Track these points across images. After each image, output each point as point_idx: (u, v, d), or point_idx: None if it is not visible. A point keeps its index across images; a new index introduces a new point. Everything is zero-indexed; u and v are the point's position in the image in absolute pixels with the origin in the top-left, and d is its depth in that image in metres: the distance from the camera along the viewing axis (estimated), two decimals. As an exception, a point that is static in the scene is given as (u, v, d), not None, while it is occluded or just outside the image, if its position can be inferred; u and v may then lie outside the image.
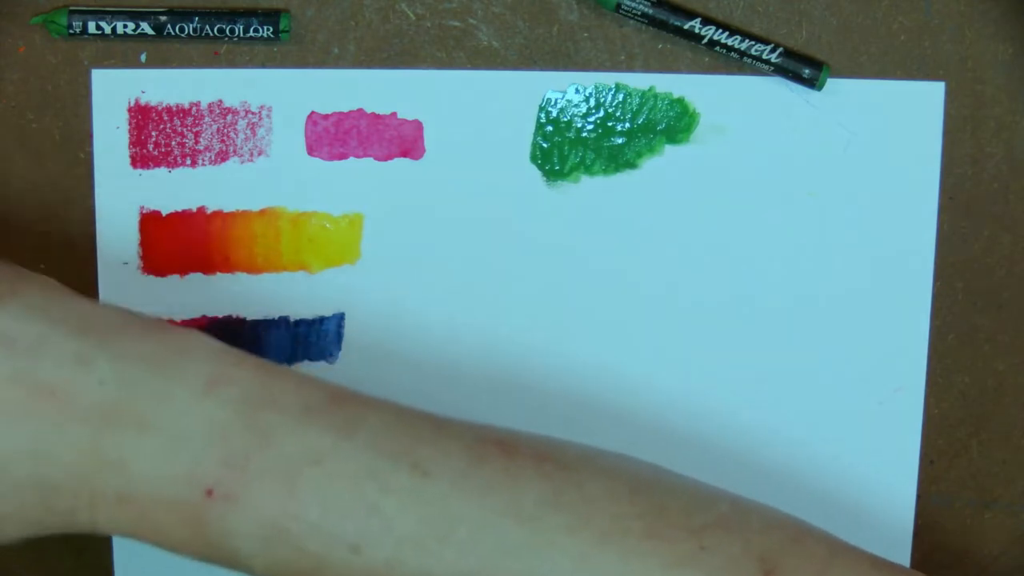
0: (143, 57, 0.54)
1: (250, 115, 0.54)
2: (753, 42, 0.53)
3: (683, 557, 0.43)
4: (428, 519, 0.42)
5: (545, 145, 0.55)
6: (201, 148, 0.54)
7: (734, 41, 0.53)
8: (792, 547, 0.44)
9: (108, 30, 0.53)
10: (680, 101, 0.55)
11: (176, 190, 0.54)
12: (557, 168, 0.55)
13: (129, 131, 0.54)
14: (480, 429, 0.45)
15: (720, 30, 0.53)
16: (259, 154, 0.54)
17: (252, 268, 0.55)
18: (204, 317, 0.55)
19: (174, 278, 0.55)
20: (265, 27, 0.53)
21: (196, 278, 0.55)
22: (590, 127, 0.55)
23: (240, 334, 0.55)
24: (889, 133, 0.55)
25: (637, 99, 0.55)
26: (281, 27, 0.53)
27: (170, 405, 0.42)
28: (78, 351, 0.43)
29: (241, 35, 0.53)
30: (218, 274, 0.55)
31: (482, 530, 0.42)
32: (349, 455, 0.43)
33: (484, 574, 0.42)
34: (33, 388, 0.42)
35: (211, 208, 0.55)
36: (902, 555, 0.57)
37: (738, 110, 0.55)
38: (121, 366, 0.43)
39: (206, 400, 0.43)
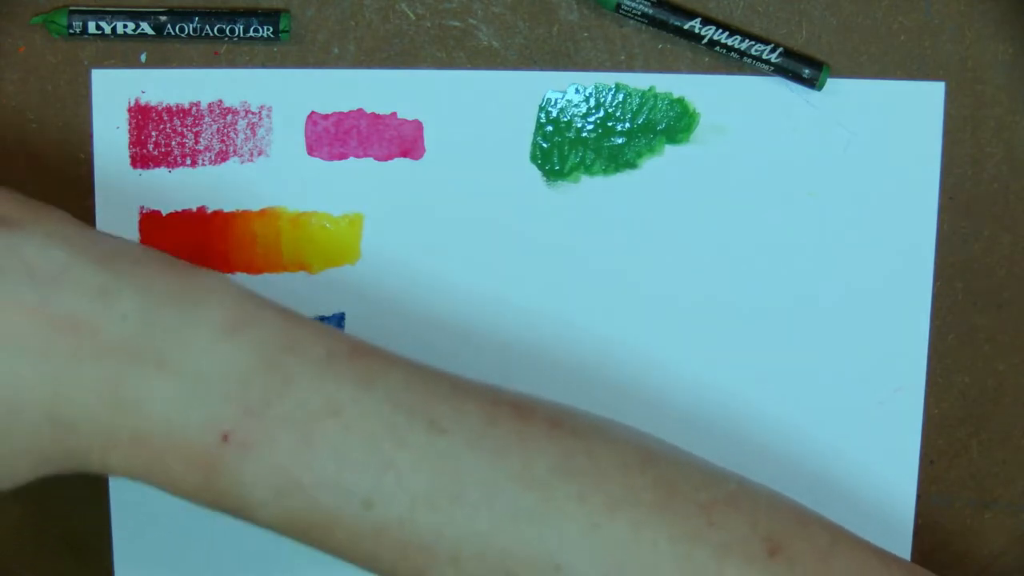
0: (143, 57, 0.54)
1: (250, 115, 0.54)
2: (753, 42, 0.53)
3: (692, 531, 0.43)
4: (441, 478, 0.42)
5: (545, 145, 0.55)
6: (201, 148, 0.54)
7: (734, 41, 0.53)
8: (797, 529, 0.44)
9: (108, 30, 0.53)
10: (680, 101, 0.55)
11: (176, 190, 0.54)
12: (557, 168, 0.55)
13: (129, 131, 0.54)
14: (496, 391, 0.45)
15: (720, 30, 0.53)
16: (259, 154, 0.54)
17: (252, 268, 0.55)
18: (204, 317, 0.55)
19: (174, 278, 0.55)
20: (265, 27, 0.53)
21: (196, 278, 0.55)
22: (590, 127, 0.55)
23: (240, 334, 0.55)
24: (889, 133, 0.55)
25: (637, 99, 0.55)
26: (281, 27, 0.53)
27: (192, 345, 0.42)
28: (102, 283, 0.41)
29: (241, 35, 0.53)
30: (218, 274, 0.55)
31: (493, 493, 0.42)
32: (368, 408, 0.42)
33: (494, 537, 0.42)
34: (55, 320, 0.41)
35: (211, 208, 0.55)
36: (902, 555, 0.57)
37: (738, 110, 0.55)
38: (144, 301, 0.42)
39: (228, 342, 0.42)
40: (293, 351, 0.42)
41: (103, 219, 0.54)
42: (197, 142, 0.54)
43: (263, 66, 0.54)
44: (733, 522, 0.44)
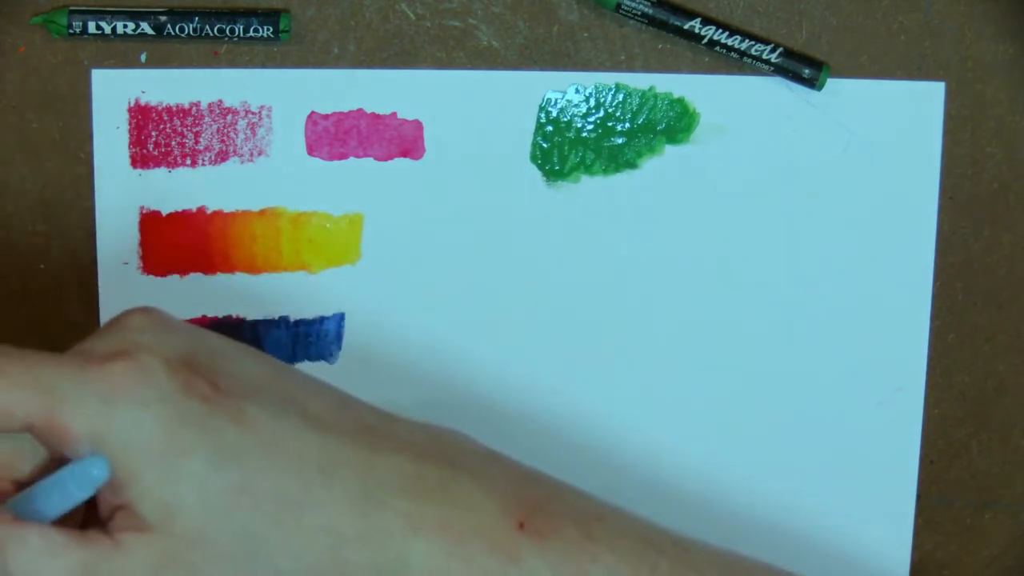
0: (143, 57, 0.54)
1: (250, 115, 0.54)
2: (753, 42, 0.53)
3: None
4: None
5: (545, 145, 0.55)
6: (201, 148, 0.54)
7: (734, 41, 0.53)
8: None
9: (108, 30, 0.53)
10: (680, 101, 0.55)
11: (176, 190, 0.54)
12: (557, 168, 0.55)
13: (129, 131, 0.54)
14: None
15: (720, 30, 0.53)
16: (259, 154, 0.54)
17: (252, 268, 0.55)
18: (204, 317, 0.55)
19: (174, 278, 0.55)
20: (265, 27, 0.53)
21: (196, 278, 0.55)
22: (590, 127, 0.55)
23: (240, 334, 0.55)
24: (889, 133, 0.55)
25: (637, 99, 0.55)
26: (281, 27, 0.53)
27: (470, 457, 0.45)
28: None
29: (241, 35, 0.53)
30: (218, 274, 0.55)
31: None
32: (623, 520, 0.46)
33: None
34: (349, 425, 0.43)
35: (211, 208, 0.55)
36: (902, 555, 0.57)
37: (738, 110, 0.55)
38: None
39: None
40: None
41: (103, 219, 0.54)
42: (197, 142, 0.54)
43: (263, 66, 0.54)
44: None
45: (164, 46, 0.54)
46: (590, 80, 0.55)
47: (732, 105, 0.55)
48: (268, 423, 0.41)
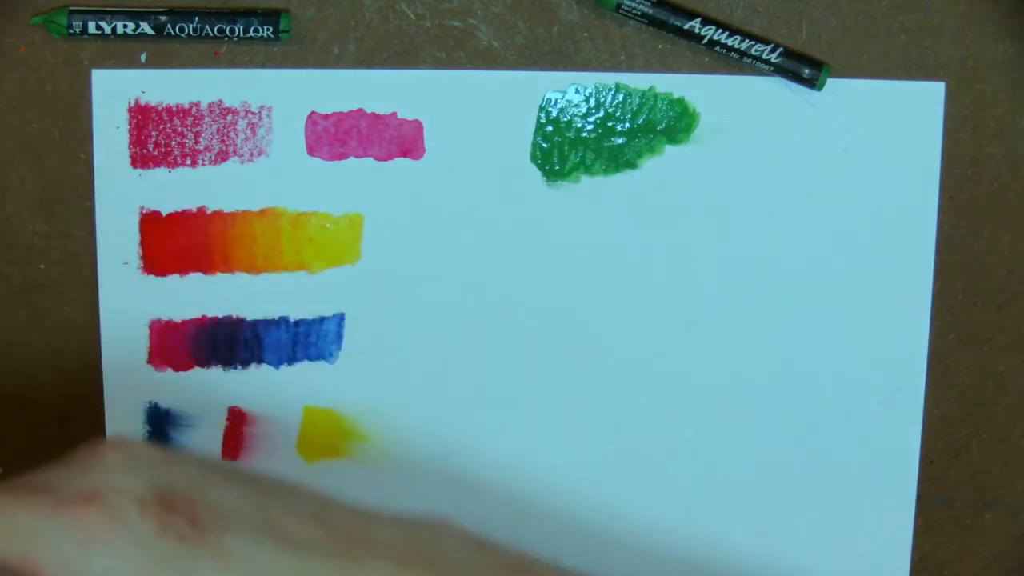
0: (143, 57, 0.54)
1: (250, 115, 0.54)
2: (753, 42, 0.53)
3: None
4: None
5: (545, 145, 0.55)
6: (201, 148, 0.54)
7: (734, 41, 0.53)
8: None
9: (108, 30, 0.53)
10: (680, 101, 0.55)
11: (176, 190, 0.54)
12: (557, 168, 0.55)
13: (129, 131, 0.54)
14: None
15: (720, 30, 0.53)
16: (259, 154, 0.54)
17: (252, 268, 0.55)
18: (204, 317, 0.55)
19: (174, 278, 0.55)
20: (265, 27, 0.53)
21: (196, 278, 0.55)
22: (590, 127, 0.55)
23: (240, 334, 0.55)
24: (889, 133, 0.55)
25: (637, 99, 0.55)
26: (281, 27, 0.53)
27: (450, 548, 0.44)
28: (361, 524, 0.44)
29: (241, 35, 0.53)
30: (218, 274, 0.55)
31: None
32: None
33: None
34: (330, 527, 0.43)
35: (211, 208, 0.55)
36: (902, 555, 0.57)
37: (738, 110, 0.55)
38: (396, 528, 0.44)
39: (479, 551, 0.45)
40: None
41: (103, 219, 0.54)
42: (197, 142, 0.54)
43: (263, 66, 0.54)
44: None
45: (164, 46, 0.54)
46: (590, 80, 0.55)
47: (732, 105, 0.55)
48: (246, 552, 0.41)
